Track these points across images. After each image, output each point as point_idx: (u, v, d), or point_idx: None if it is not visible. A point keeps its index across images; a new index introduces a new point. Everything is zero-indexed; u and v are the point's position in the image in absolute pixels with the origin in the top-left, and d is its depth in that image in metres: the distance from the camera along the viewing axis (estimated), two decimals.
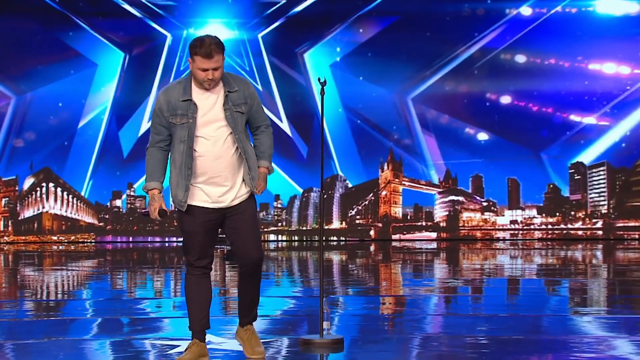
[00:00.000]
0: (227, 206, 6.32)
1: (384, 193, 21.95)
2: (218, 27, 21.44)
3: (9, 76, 21.55)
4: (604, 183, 21.77)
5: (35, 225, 21.80)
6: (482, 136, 21.80)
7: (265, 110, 6.59)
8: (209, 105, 6.26)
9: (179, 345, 7.01)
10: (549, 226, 21.99)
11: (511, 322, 8.52)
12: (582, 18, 21.52)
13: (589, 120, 21.68)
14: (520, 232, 22.02)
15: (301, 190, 21.89)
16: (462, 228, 22.05)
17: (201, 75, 6.16)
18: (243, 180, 6.34)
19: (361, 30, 21.68)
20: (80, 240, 21.89)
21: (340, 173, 21.87)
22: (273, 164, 6.53)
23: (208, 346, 6.50)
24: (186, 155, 6.22)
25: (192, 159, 6.24)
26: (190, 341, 6.40)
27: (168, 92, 6.29)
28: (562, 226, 21.95)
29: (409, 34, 21.51)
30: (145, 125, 21.37)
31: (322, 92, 7.20)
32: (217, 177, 6.28)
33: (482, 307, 10.28)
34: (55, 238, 21.87)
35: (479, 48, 21.58)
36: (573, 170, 21.85)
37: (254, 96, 6.39)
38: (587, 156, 21.79)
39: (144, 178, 6.41)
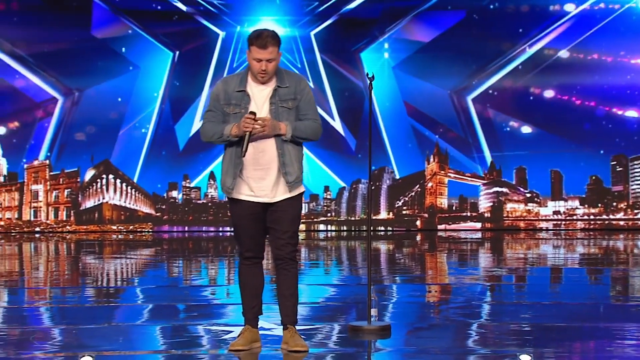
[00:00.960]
0: (270, 201, 6.46)
1: (429, 184, 22.05)
2: (270, 24, 21.40)
3: (60, 75, 21.77)
4: None
5: (96, 215, 22.13)
6: (526, 129, 21.84)
7: (319, 109, 6.64)
8: (262, 99, 6.45)
9: (232, 331, 7.17)
10: (591, 217, 22.00)
11: (554, 310, 8.64)
12: (625, 13, 21.44)
13: (632, 113, 21.65)
14: (563, 222, 22.04)
15: (346, 185, 21.89)
16: (506, 218, 22.10)
17: (256, 66, 6.37)
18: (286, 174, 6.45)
19: (414, 29, 21.71)
20: (138, 229, 22.16)
21: (394, 166, 21.90)
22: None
23: (260, 332, 6.67)
24: (237, 144, 6.40)
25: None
26: (243, 327, 6.59)
27: (227, 81, 6.53)
28: (604, 217, 21.93)
29: (459, 32, 21.54)
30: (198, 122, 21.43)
31: (370, 87, 7.36)
32: (260, 170, 6.44)
33: (525, 295, 10.39)
34: (114, 227, 22.20)
35: (526, 46, 21.57)
36: (615, 162, 21.83)
37: (304, 92, 6.50)
38: (629, 148, 21.75)
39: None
